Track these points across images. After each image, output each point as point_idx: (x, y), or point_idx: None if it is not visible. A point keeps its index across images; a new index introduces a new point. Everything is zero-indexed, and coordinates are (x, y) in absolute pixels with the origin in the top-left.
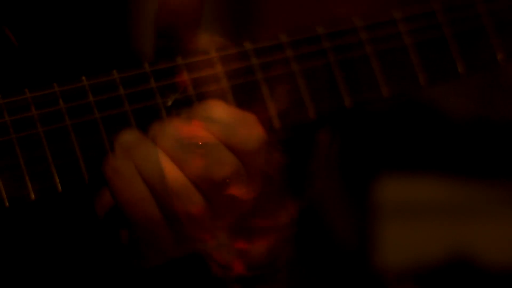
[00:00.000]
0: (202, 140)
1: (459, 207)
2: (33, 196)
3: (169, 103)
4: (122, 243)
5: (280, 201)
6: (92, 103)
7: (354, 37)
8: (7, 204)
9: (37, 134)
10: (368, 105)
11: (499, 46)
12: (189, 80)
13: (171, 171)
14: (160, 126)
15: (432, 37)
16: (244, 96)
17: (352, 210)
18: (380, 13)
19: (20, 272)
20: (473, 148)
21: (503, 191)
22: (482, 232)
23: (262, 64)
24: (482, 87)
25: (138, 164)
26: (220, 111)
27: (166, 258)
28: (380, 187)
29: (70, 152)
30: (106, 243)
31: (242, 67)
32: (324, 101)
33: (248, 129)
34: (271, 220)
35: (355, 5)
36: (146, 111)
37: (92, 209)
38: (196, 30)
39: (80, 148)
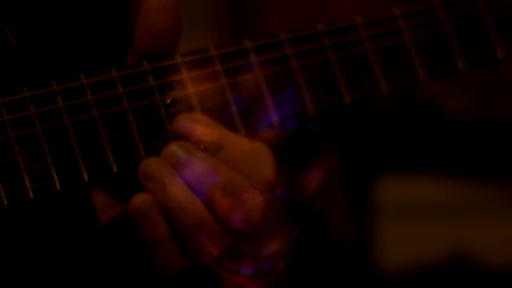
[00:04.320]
0: (223, 178)
1: (459, 207)
2: (31, 195)
3: (168, 101)
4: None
5: (284, 213)
6: (90, 102)
7: (353, 34)
8: (6, 203)
9: (36, 133)
10: (368, 102)
11: (499, 43)
12: (188, 78)
13: (193, 205)
14: (186, 160)
15: (432, 34)
16: (243, 94)
17: (352, 210)
18: (379, 10)
19: (18, 271)
20: (473, 148)
21: (503, 191)
22: (482, 232)
23: (261, 62)
24: (482, 87)
25: (160, 201)
26: (238, 147)
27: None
28: (380, 187)
29: (68, 151)
30: (107, 250)
31: (242, 64)
32: (323, 98)
33: (260, 164)
34: (275, 232)
35: (355, 5)
36: (145, 109)
37: (93, 214)
38: (176, 47)
39: (79, 147)
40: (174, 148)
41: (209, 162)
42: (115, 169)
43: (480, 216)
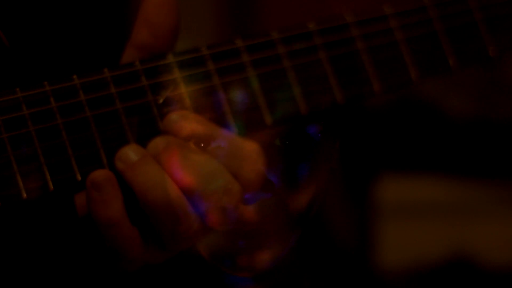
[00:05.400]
0: (209, 168)
1: (459, 207)
2: (24, 195)
3: (161, 100)
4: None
5: (283, 215)
6: (83, 102)
7: (345, 33)
8: None
9: (29, 133)
10: (360, 101)
11: (490, 41)
12: (180, 78)
13: (176, 195)
14: (171, 151)
15: (424, 33)
16: (235, 93)
17: (352, 210)
18: (371, 9)
19: (8, 270)
20: (473, 148)
21: (503, 191)
22: (482, 232)
23: (253, 61)
24: (481, 87)
25: (139, 183)
26: (229, 143)
27: (142, 265)
28: (380, 187)
29: (61, 151)
30: (83, 242)
31: (234, 64)
32: (315, 97)
33: (250, 162)
34: (274, 233)
35: (355, 6)
36: (138, 109)
37: (72, 206)
38: (175, 43)
39: (72, 147)
40: (158, 140)
41: (195, 154)
42: (108, 169)
43: (480, 216)
